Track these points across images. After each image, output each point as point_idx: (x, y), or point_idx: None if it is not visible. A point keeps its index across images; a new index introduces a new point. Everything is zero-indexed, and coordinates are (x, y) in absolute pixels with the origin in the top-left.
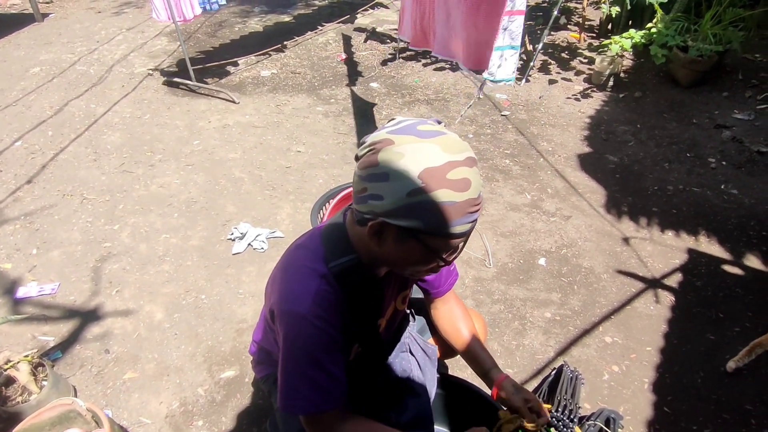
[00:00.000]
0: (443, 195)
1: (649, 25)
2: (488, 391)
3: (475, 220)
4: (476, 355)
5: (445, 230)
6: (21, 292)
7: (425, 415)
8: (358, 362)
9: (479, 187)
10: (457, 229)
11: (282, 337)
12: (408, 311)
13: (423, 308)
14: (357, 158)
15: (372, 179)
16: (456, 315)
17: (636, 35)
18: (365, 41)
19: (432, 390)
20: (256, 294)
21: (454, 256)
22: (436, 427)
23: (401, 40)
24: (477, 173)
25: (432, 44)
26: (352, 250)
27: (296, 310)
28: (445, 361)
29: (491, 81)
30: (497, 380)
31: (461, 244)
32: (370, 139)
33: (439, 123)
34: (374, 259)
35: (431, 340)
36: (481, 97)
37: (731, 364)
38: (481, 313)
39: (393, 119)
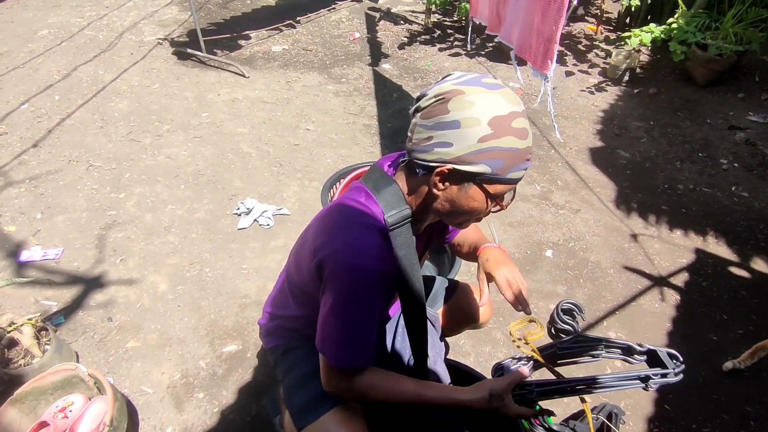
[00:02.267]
0: (509, 141)
1: (670, 20)
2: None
3: (528, 167)
4: (470, 238)
5: (507, 175)
6: (24, 256)
7: (439, 378)
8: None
9: (532, 137)
10: (516, 174)
11: (336, 289)
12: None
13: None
14: (418, 110)
15: (440, 127)
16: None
17: (656, 30)
18: (378, 21)
19: (441, 354)
20: (260, 270)
21: (509, 202)
22: None
23: (476, 24)
24: (529, 124)
25: (500, 29)
26: (406, 203)
27: (361, 264)
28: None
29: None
30: (483, 246)
31: (512, 192)
32: (435, 90)
33: (496, 78)
34: (425, 211)
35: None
36: (550, 100)
37: (728, 364)
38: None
39: (450, 74)
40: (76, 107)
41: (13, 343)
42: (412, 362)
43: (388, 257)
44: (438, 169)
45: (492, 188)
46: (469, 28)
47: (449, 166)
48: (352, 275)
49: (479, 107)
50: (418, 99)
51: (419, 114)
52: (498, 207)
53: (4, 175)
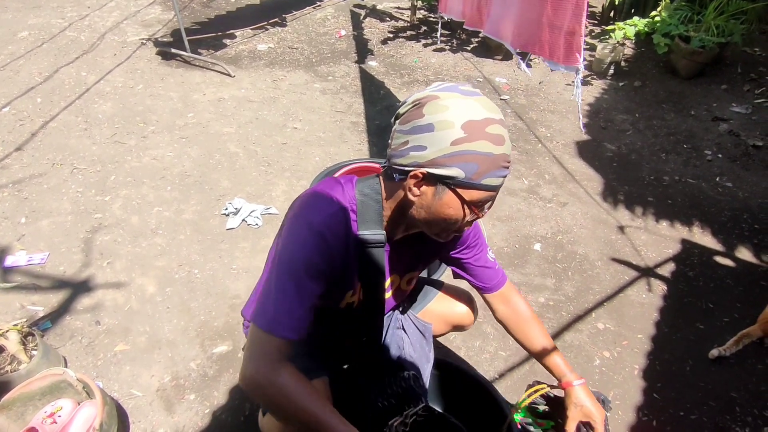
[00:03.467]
0: (483, 146)
1: (653, 13)
2: (484, 375)
3: (506, 176)
4: (549, 363)
5: (482, 180)
6: (9, 261)
7: (416, 392)
8: (351, 313)
9: (510, 146)
10: (491, 181)
11: (282, 240)
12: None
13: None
14: (398, 116)
15: (416, 131)
16: (521, 317)
17: (639, 23)
18: (364, 18)
19: (427, 367)
20: (250, 270)
21: (484, 212)
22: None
23: (448, 19)
24: (508, 134)
25: (485, 24)
26: (381, 214)
27: (306, 218)
28: (440, 339)
29: (553, 68)
30: (571, 383)
31: (490, 201)
32: (413, 97)
33: (474, 87)
34: (402, 217)
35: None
36: (580, 94)
37: (714, 352)
38: (476, 297)
39: (431, 83)
40: (59, 110)
41: None
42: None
43: (338, 228)
44: (412, 173)
45: (467, 194)
46: (439, 25)
47: (423, 169)
48: (295, 227)
49: (453, 111)
50: (401, 105)
51: (398, 120)
52: (474, 215)
53: None
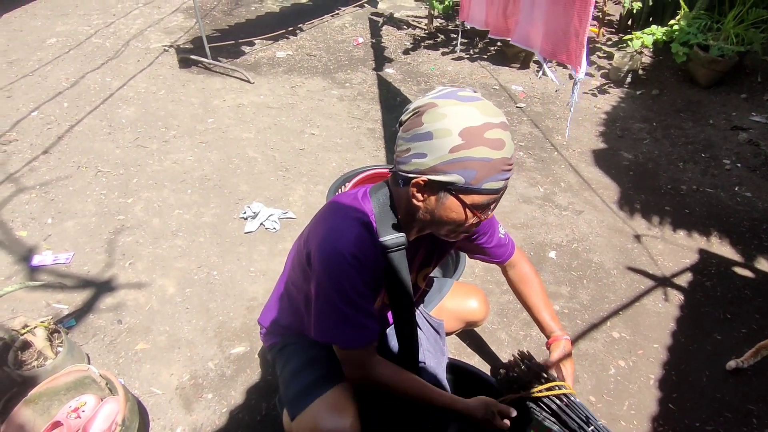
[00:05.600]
0: (481, 152)
1: (672, 21)
2: (492, 378)
3: (508, 179)
4: (541, 320)
5: (482, 185)
6: (36, 260)
7: (439, 386)
8: (381, 314)
9: (512, 148)
10: (492, 185)
11: (318, 274)
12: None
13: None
14: (401, 123)
15: (416, 139)
16: (522, 278)
17: (658, 32)
18: (382, 26)
19: (443, 360)
20: (268, 272)
21: (488, 214)
22: None
23: (467, 27)
24: (510, 137)
25: (512, 33)
26: (396, 215)
27: (336, 248)
28: (455, 350)
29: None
30: (554, 337)
31: (494, 203)
32: (414, 104)
33: (475, 91)
34: (412, 220)
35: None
36: (576, 101)
37: (731, 363)
38: (491, 302)
39: (434, 88)
40: (84, 114)
41: (26, 346)
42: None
43: (367, 246)
44: (414, 180)
45: (468, 199)
46: (459, 33)
47: (424, 177)
48: (330, 259)
49: (450, 119)
50: (404, 112)
51: (401, 128)
52: (477, 218)
53: (16, 182)
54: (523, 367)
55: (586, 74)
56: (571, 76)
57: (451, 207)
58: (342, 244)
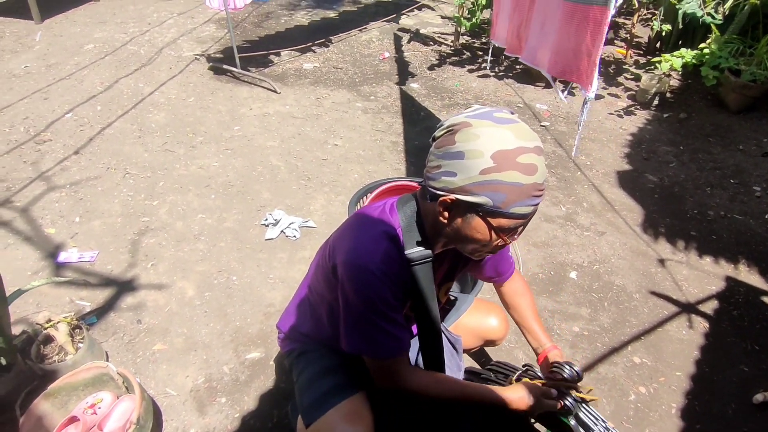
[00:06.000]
0: (512, 176)
1: (702, 45)
2: None
3: (537, 204)
4: (530, 329)
5: (509, 209)
6: (62, 257)
7: None
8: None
9: (544, 174)
10: (520, 209)
11: (346, 288)
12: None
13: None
14: (434, 138)
15: (448, 157)
16: (519, 290)
17: (687, 55)
18: (408, 42)
19: (459, 376)
20: (286, 280)
21: (514, 237)
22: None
23: (494, 45)
24: (543, 162)
25: (523, 51)
26: (423, 229)
27: (364, 263)
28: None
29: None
30: (551, 345)
31: (521, 227)
32: (449, 122)
33: (512, 113)
34: (438, 234)
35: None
36: (585, 120)
37: (759, 397)
38: (509, 321)
39: (470, 107)
40: (116, 117)
41: (48, 340)
42: None
43: (394, 260)
44: (441, 198)
45: (495, 221)
46: (490, 51)
47: (452, 196)
48: (358, 274)
49: (484, 140)
50: (437, 128)
51: (434, 143)
52: (502, 241)
53: (47, 180)
54: (569, 371)
55: (612, 95)
56: (596, 97)
57: (477, 228)
58: (370, 260)
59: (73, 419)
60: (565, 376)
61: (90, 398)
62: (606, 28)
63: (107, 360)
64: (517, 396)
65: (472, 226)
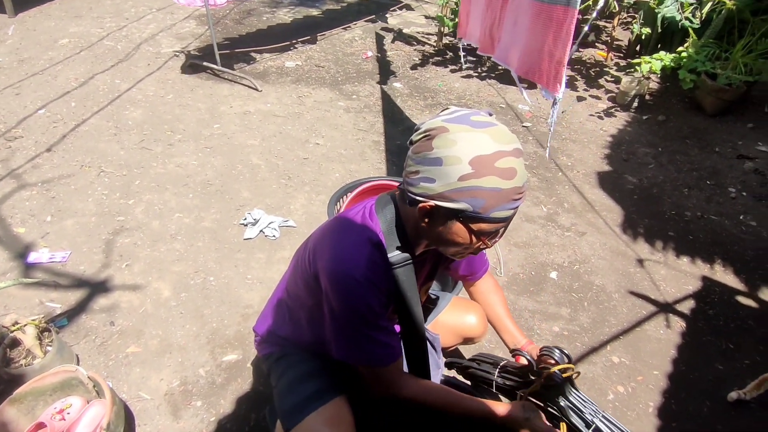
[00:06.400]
0: (491, 181)
1: (680, 48)
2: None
3: (518, 207)
4: (504, 327)
5: (490, 214)
6: (32, 257)
7: None
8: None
9: (524, 176)
10: (501, 214)
11: (332, 298)
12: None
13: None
14: (411, 143)
15: (426, 163)
16: (491, 288)
17: (666, 58)
18: (392, 41)
19: (438, 373)
20: (265, 281)
21: (495, 240)
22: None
23: (465, 45)
24: (522, 164)
25: (495, 50)
26: (404, 231)
27: (349, 273)
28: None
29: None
30: (523, 345)
31: (502, 229)
32: (426, 125)
33: (491, 115)
34: (420, 237)
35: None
36: (554, 122)
37: (733, 395)
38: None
39: (447, 108)
40: (91, 114)
41: (15, 343)
42: None
43: (379, 267)
44: (420, 205)
45: (476, 226)
46: (461, 49)
47: (432, 202)
48: (342, 283)
49: (461, 146)
50: (414, 131)
51: (411, 147)
52: (483, 244)
53: (17, 178)
54: (558, 354)
55: (593, 97)
56: (578, 99)
57: (458, 233)
58: (354, 268)
59: (40, 425)
60: (555, 359)
61: (58, 403)
62: (572, 29)
63: (78, 363)
64: (513, 415)
65: (453, 231)
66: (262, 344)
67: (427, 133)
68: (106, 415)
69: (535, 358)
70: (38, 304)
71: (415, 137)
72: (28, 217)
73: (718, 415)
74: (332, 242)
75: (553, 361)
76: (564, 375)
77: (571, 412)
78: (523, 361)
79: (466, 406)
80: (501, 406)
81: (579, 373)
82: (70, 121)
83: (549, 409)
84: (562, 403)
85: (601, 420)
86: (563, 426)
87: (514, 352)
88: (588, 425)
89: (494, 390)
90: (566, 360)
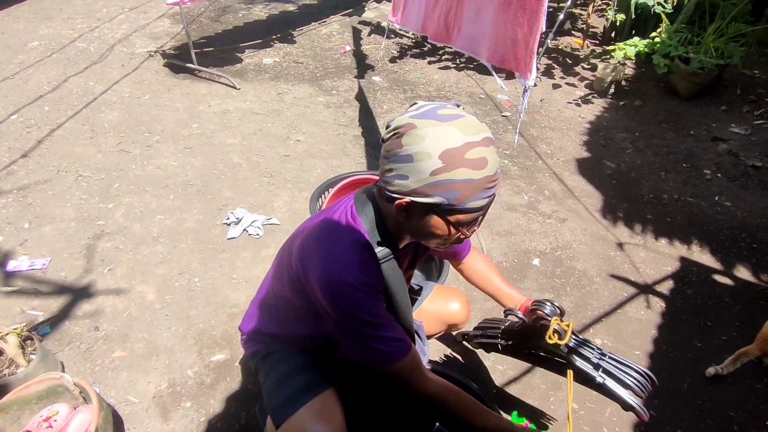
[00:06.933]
0: (462, 173)
1: (653, 34)
2: (476, 385)
3: (493, 195)
4: (500, 291)
5: (465, 205)
6: (11, 266)
7: None
8: None
9: (496, 164)
10: (476, 203)
11: (330, 308)
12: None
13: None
14: (383, 141)
15: (398, 161)
16: (482, 259)
17: (640, 44)
18: (369, 35)
19: (424, 359)
20: (250, 279)
21: (474, 228)
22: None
23: (397, 31)
24: (494, 152)
25: (455, 40)
26: (386, 227)
27: (344, 280)
28: (440, 356)
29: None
30: (523, 303)
31: (480, 217)
32: (394, 123)
33: (458, 106)
34: (401, 231)
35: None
36: (525, 108)
37: (711, 370)
38: (474, 309)
39: (415, 103)
40: (65, 118)
41: None
42: None
43: (371, 268)
44: (397, 202)
45: (453, 218)
46: (385, 34)
47: (407, 198)
48: (338, 291)
49: (429, 141)
50: (385, 129)
51: (383, 145)
52: (462, 234)
53: None
54: (550, 307)
55: (570, 85)
56: (554, 87)
57: (436, 225)
58: (347, 273)
59: None
60: (546, 312)
61: (45, 411)
62: (543, 17)
63: (63, 370)
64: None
65: (431, 224)
66: (248, 342)
67: (396, 131)
68: (94, 421)
69: (528, 313)
70: (19, 313)
71: (385, 135)
72: (5, 225)
73: (697, 390)
74: (320, 251)
75: (543, 314)
76: (560, 341)
77: (576, 358)
78: (514, 318)
79: (485, 421)
80: (519, 429)
81: (570, 323)
82: (44, 125)
83: (556, 359)
84: (564, 351)
85: (607, 361)
86: (570, 373)
87: (507, 312)
88: (596, 367)
89: (501, 352)
90: (558, 312)
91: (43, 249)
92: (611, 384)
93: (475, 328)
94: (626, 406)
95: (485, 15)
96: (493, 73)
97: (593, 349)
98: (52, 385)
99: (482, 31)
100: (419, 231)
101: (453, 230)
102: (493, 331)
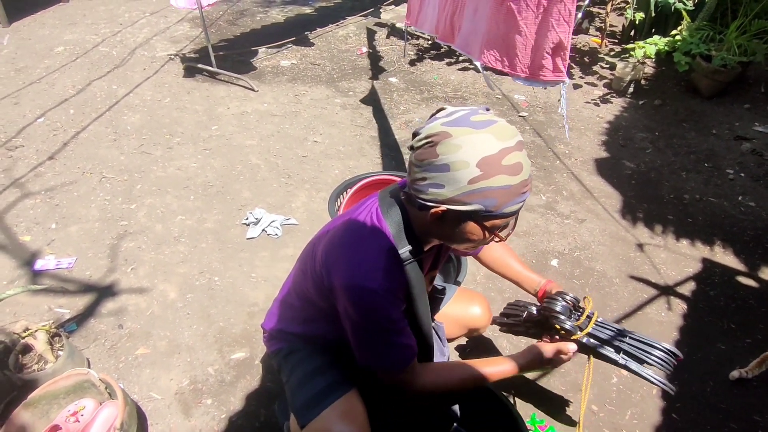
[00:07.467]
0: (500, 180)
1: (674, 32)
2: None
3: (526, 198)
4: (519, 275)
5: (502, 211)
6: (39, 265)
7: None
8: None
9: (529, 167)
10: (513, 208)
11: (352, 311)
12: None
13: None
14: (412, 148)
15: (432, 170)
16: (494, 249)
17: (660, 42)
18: (387, 37)
19: (443, 360)
20: (269, 279)
21: (509, 232)
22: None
23: (413, 33)
24: (526, 155)
25: (455, 39)
26: (412, 231)
27: (368, 287)
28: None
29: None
30: (542, 285)
31: (513, 220)
32: (426, 131)
33: (488, 110)
34: (429, 235)
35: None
36: (564, 103)
37: (735, 374)
38: (493, 310)
39: (443, 109)
40: (90, 121)
41: (27, 349)
42: None
43: (394, 273)
44: (432, 211)
45: (489, 223)
46: (405, 36)
47: (443, 207)
48: (363, 297)
49: (467, 150)
50: (414, 136)
51: (413, 154)
52: (498, 238)
53: (21, 187)
54: (564, 299)
55: (589, 84)
56: (575, 86)
57: (472, 231)
58: (373, 280)
59: (55, 428)
60: (557, 310)
61: (72, 406)
62: (572, 18)
63: (89, 367)
64: (529, 359)
65: (467, 230)
66: (271, 340)
67: (429, 140)
68: (119, 416)
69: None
70: (47, 311)
71: (416, 143)
72: (33, 225)
73: (721, 394)
74: (344, 255)
75: (554, 312)
76: (575, 336)
77: (595, 342)
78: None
79: (483, 371)
80: (521, 358)
81: (586, 296)
82: (69, 128)
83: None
84: (584, 341)
85: (628, 342)
86: (591, 359)
87: (522, 310)
88: (617, 350)
89: (527, 336)
90: (571, 304)
91: (69, 248)
92: (634, 366)
93: (501, 314)
94: (653, 383)
95: (481, 13)
96: (483, 72)
97: (613, 330)
98: (79, 381)
99: (476, 29)
100: (453, 237)
101: (488, 234)
102: (515, 319)
